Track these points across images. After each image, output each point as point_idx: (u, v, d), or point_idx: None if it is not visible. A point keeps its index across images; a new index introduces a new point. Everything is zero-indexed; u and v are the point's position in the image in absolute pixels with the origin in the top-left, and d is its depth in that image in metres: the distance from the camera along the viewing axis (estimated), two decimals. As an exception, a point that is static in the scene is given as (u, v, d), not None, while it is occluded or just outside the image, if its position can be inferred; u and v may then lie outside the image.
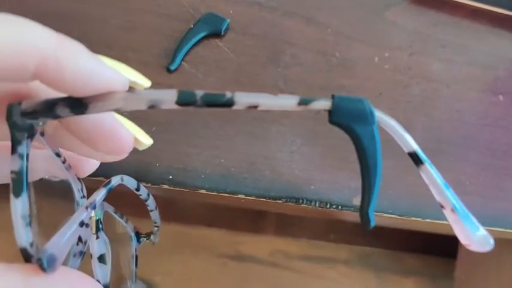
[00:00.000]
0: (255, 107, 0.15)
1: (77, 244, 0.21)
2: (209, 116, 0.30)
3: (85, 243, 0.21)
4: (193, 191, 0.28)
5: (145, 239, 0.26)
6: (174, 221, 0.75)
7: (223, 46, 0.31)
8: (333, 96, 0.15)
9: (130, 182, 0.21)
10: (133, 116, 0.29)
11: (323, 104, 0.15)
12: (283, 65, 0.31)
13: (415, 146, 0.16)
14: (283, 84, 0.31)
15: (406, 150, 0.16)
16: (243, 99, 0.15)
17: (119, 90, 0.15)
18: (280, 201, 0.28)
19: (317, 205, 0.28)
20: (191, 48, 0.31)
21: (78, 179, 0.21)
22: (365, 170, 0.15)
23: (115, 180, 0.20)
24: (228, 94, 0.15)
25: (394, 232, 0.75)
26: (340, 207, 0.28)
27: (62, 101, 0.15)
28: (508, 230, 0.29)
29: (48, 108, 0.15)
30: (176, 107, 0.15)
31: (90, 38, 0.31)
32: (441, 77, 0.32)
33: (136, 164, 0.28)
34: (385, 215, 0.28)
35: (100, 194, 0.18)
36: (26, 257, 0.16)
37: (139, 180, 0.28)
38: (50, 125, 0.19)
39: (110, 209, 0.23)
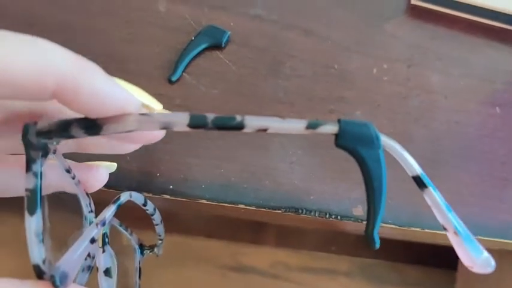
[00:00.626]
0: (265, 130, 0.15)
1: (85, 259, 0.21)
2: (210, 127, 0.30)
3: (93, 257, 0.22)
4: (193, 201, 0.28)
5: (148, 252, 0.26)
6: (174, 232, 0.74)
7: (224, 58, 0.32)
8: (339, 121, 0.16)
9: (138, 198, 0.22)
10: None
11: (330, 129, 0.15)
12: (284, 77, 0.32)
13: (419, 170, 0.16)
14: (283, 95, 0.31)
15: (410, 174, 0.16)
16: (252, 122, 0.15)
17: (132, 113, 0.16)
18: (279, 211, 0.28)
19: (317, 215, 0.28)
20: (192, 59, 0.32)
21: (87, 194, 0.21)
22: (370, 192, 0.16)
23: (124, 197, 0.20)
24: (238, 118, 0.15)
25: (395, 244, 0.74)
26: (339, 217, 0.28)
27: (76, 122, 0.16)
28: (508, 241, 0.29)
29: (63, 129, 0.16)
30: (188, 129, 0.16)
31: (93, 50, 0.31)
32: (439, 89, 0.32)
33: (137, 174, 0.29)
34: (385, 225, 0.28)
35: (110, 211, 0.19)
36: (39, 273, 0.16)
37: (140, 190, 0.28)
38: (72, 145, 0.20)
39: (116, 222, 0.24)
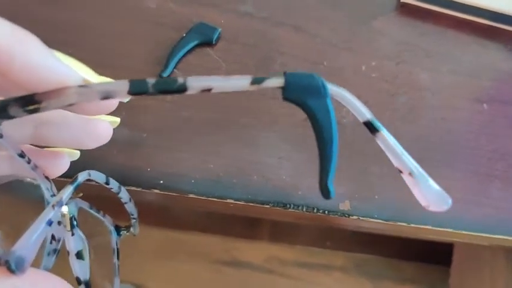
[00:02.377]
0: (209, 90, 0.15)
1: (51, 243, 0.21)
2: (200, 123, 0.31)
3: (59, 241, 0.21)
4: (183, 196, 0.29)
5: (125, 232, 0.26)
6: (168, 227, 0.75)
7: (215, 55, 0.32)
8: (284, 73, 0.15)
9: (98, 177, 0.21)
10: (123, 123, 0.30)
11: (275, 82, 0.15)
12: (273, 73, 0.32)
13: (369, 115, 0.16)
14: (274, 93, 0.32)
15: (361, 120, 0.16)
16: (195, 83, 0.15)
17: (71, 85, 0.15)
18: (268, 206, 0.29)
19: (304, 210, 0.29)
20: (183, 56, 0.32)
21: (47, 178, 0.21)
22: (321, 143, 0.15)
23: (82, 176, 0.19)
24: (180, 80, 0.15)
25: (390, 239, 0.75)
26: (327, 212, 0.29)
27: (14, 101, 0.15)
28: (493, 236, 0.30)
29: (0, 109, 0.15)
30: (129, 97, 0.15)
31: (85, 46, 0.31)
32: (427, 86, 0.33)
33: (127, 169, 0.29)
34: (371, 219, 0.29)
35: (67, 192, 0.18)
36: None
37: (130, 185, 0.29)
38: (29, 122, 0.20)
39: (85, 205, 0.23)
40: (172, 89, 0.15)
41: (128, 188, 0.29)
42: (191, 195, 0.29)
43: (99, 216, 0.25)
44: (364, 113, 0.16)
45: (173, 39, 0.32)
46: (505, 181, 0.30)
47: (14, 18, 0.32)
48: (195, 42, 0.32)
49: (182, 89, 0.15)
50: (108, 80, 0.25)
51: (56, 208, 0.17)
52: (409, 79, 0.33)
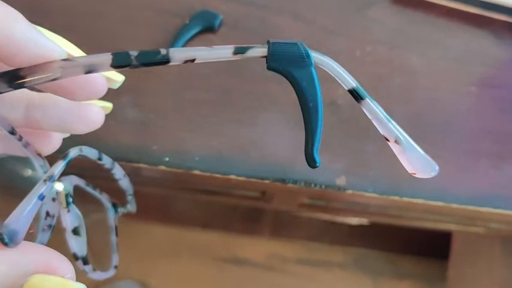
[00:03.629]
0: (192, 60, 0.15)
1: (45, 219, 0.21)
2: (202, 104, 0.32)
3: (53, 217, 0.21)
4: (187, 172, 0.30)
5: (123, 209, 0.26)
6: (169, 223, 0.76)
7: (217, 41, 0.34)
8: (268, 42, 0.15)
9: (90, 152, 0.21)
10: (132, 104, 0.32)
11: (259, 51, 0.15)
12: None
13: (354, 83, 0.16)
14: (271, 75, 0.33)
15: (346, 88, 0.16)
16: (178, 54, 0.15)
17: (55, 60, 0.15)
18: (267, 181, 0.30)
19: (302, 185, 0.30)
20: (186, 42, 0.34)
21: (39, 155, 0.20)
22: (306, 112, 0.15)
23: (73, 152, 0.19)
24: (163, 51, 0.15)
25: (389, 234, 0.76)
26: (324, 186, 0.31)
27: None
28: (481, 208, 0.31)
29: None
30: (113, 70, 0.15)
31: (90, 32, 0.33)
32: (419, 70, 0.34)
33: (135, 147, 0.31)
34: (366, 194, 0.31)
35: (59, 167, 0.18)
36: None
37: (138, 162, 0.30)
38: (19, 105, 0.20)
39: (81, 182, 0.23)
40: (155, 60, 0.15)
41: (136, 165, 0.30)
42: (195, 171, 0.30)
43: (96, 193, 0.25)
44: (349, 80, 0.16)
45: (176, 26, 0.34)
46: (492, 157, 0.32)
47: (28, 7, 0.34)
48: (198, 29, 0.34)
49: (165, 60, 0.15)
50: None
51: (47, 183, 0.17)
52: (402, 63, 0.35)
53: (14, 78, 0.15)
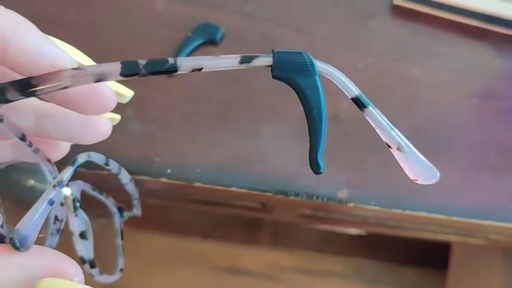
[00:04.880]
0: (199, 69, 0.15)
1: (54, 223, 0.21)
2: (205, 117, 0.32)
3: (61, 221, 0.21)
4: (189, 184, 0.30)
5: (128, 213, 0.27)
6: (170, 233, 0.76)
7: (219, 53, 0.34)
8: (273, 51, 0.16)
9: (98, 158, 0.21)
10: (135, 117, 0.32)
11: (264, 61, 0.15)
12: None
13: (357, 91, 0.16)
14: (275, 87, 0.33)
15: (350, 96, 0.16)
16: (186, 63, 0.15)
17: (66, 69, 0.15)
18: (269, 194, 0.30)
19: (304, 198, 0.30)
20: (189, 54, 0.34)
21: (48, 161, 0.21)
22: (310, 119, 0.16)
23: (82, 158, 0.20)
24: (171, 60, 0.15)
25: (389, 244, 0.76)
26: (326, 199, 0.30)
27: (10, 85, 0.15)
28: (483, 222, 0.31)
29: None
30: (122, 78, 0.15)
31: (92, 46, 0.33)
32: (420, 82, 0.35)
33: (137, 159, 0.31)
34: (367, 207, 0.30)
35: (67, 173, 0.18)
36: None
37: (140, 174, 0.30)
38: (29, 114, 0.20)
39: (88, 187, 0.24)
40: (163, 69, 0.15)
41: (138, 177, 0.30)
42: (197, 184, 0.30)
43: (102, 198, 0.25)
44: (352, 88, 0.16)
45: (180, 39, 0.34)
46: (495, 170, 0.32)
47: (30, 19, 0.34)
48: (200, 41, 0.34)
49: (173, 69, 0.15)
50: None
51: (57, 188, 0.17)
52: (403, 75, 0.35)
53: (25, 87, 0.15)
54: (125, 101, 0.22)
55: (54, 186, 0.17)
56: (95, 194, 0.25)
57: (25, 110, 0.19)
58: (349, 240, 0.79)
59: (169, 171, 0.30)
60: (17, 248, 0.16)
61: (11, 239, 0.16)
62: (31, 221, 0.16)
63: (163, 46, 0.34)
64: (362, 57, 0.35)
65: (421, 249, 0.75)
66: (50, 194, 0.17)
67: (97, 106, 0.18)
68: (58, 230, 0.21)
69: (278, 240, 0.80)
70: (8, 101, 0.16)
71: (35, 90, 0.15)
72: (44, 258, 0.16)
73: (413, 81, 0.35)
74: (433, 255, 0.74)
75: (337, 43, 0.35)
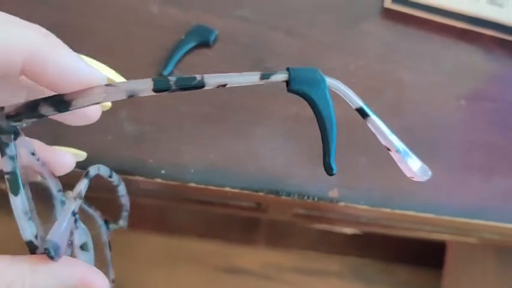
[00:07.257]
0: (224, 85, 0.17)
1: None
2: (198, 118, 0.33)
3: (71, 233, 0.21)
4: (183, 185, 0.31)
5: (114, 225, 0.27)
6: (166, 233, 0.76)
7: (212, 55, 0.35)
8: (287, 69, 0.17)
9: (105, 171, 0.23)
10: (129, 118, 0.32)
11: (281, 77, 0.17)
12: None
13: (361, 103, 0.18)
14: (267, 89, 0.34)
15: (354, 107, 0.18)
16: (212, 80, 0.17)
17: (99, 85, 0.16)
18: (262, 194, 0.31)
19: (296, 197, 0.31)
20: (182, 56, 0.34)
21: (53, 175, 0.22)
22: (323, 128, 0.18)
23: (93, 170, 0.21)
24: (198, 77, 0.17)
25: (384, 243, 0.77)
26: (317, 198, 0.31)
27: (44, 101, 0.16)
28: (472, 221, 0.32)
29: (32, 109, 0.16)
30: (153, 93, 0.17)
31: (86, 49, 0.34)
32: (410, 84, 0.35)
33: (132, 160, 0.31)
34: (358, 206, 0.31)
35: (83, 184, 0.19)
36: (32, 248, 0.17)
37: (134, 174, 0.31)
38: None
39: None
40: (192, 85, 0.16)
41: (133, 177, 0.31)
42: (191, 184, 0.31)
43: (91, 211, 0.26)
44: (357, 100, 0.18)
45: (173, 42, 0.34)
46: (482, 170, 0.32)
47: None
48: (193, 44, 0.34)
49: (200, 85, 0.16)
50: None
51: (77, 200, 0.18)
52: (394, 77, 0.35)
53: (59, 103, 0.16)
54: (106, 108, 0.22)
55: (74, 198, 0.18)
56: (85, 206, 0.25)
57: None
58: (345, 239, 0.80)
59: (163, 171, 0.31)
60: (51, 258, 0.16)
61: (46, 249, 0.16)
62: (59, 231, 0.17)
63: (156, 49, 0.34)
64: (353, 59, 0.36)
65: (416, 248, 0.76)
66: (72, 205, 0.18)
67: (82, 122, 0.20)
68: (71, 243, 0.22)
69: (275, 240, 0.81)
70: (41, 117, 0.16)
71: (69, 105, 0.16)
72: (74, 269, 0.17)
73: (403, 82, 0.35)
74: (428, 254, 0.75)
75: (329, 45, 0.36)
